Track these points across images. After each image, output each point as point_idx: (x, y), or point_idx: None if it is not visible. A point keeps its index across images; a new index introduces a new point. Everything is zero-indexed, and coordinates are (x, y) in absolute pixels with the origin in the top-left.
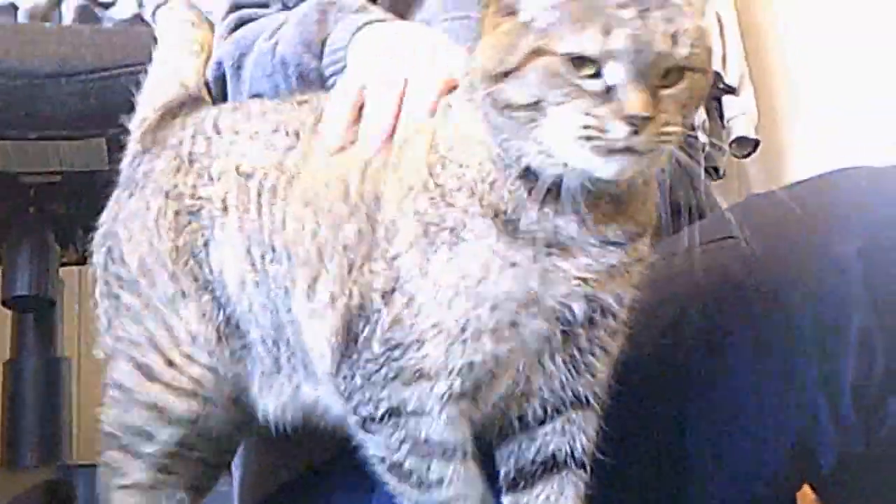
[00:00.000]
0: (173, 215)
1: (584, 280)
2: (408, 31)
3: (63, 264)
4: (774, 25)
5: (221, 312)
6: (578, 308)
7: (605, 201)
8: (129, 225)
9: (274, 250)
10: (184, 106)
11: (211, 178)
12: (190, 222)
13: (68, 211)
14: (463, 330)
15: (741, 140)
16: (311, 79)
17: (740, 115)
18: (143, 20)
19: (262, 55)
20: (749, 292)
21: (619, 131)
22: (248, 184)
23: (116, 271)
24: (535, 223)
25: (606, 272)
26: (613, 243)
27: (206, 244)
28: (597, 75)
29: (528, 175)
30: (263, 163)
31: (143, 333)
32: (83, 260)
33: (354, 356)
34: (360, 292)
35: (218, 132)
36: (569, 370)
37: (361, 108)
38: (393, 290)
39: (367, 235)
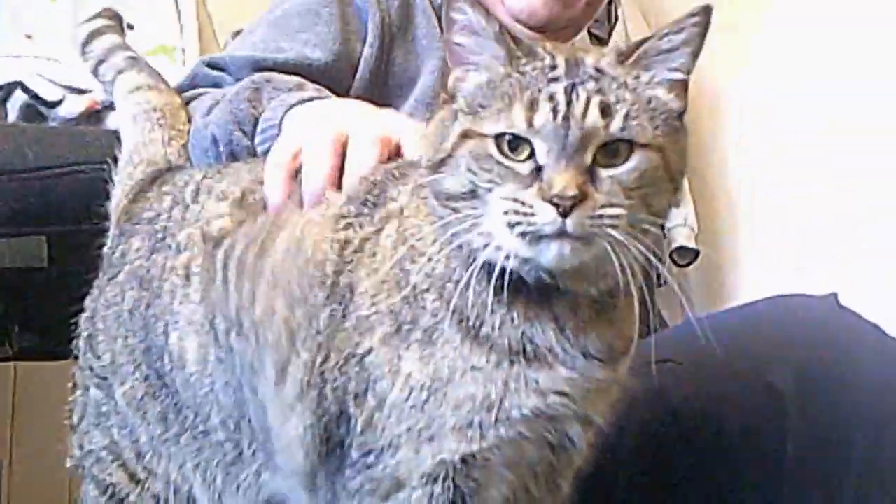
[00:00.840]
0: (145, 308)
1: (569, 396)
2: (345, 102)
3: None
4: (716, 138)
5: (177, 409)
6: (576, 434)
7: (585, 306)
8: (104, 313)
9: (241, 327)
10: (156, 181)
11: (179, 249)
12: (155, 310)
13: (5, 308)
14: (428, 428)
15: (682, 250)
16: (243, 157)
17: (681, 226)
18: (88, 119)
19: (198, 132)
20: (685, 418)
21: (545, 214)
22: (215, 251)
23: (90, 362)
24: (497, 329)
25: (597, 386)
26: (596, 358)
27: (165, 331)
28: (531, 156)
29: (489, 272)
30: (232, 228)
31: (106, 444)
32: (18, 357)
33: (336, 464)
34: (335, 398)
35: (196, 199)
36: (544, 489)
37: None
38: (365, 392)
39: (337, 318)
